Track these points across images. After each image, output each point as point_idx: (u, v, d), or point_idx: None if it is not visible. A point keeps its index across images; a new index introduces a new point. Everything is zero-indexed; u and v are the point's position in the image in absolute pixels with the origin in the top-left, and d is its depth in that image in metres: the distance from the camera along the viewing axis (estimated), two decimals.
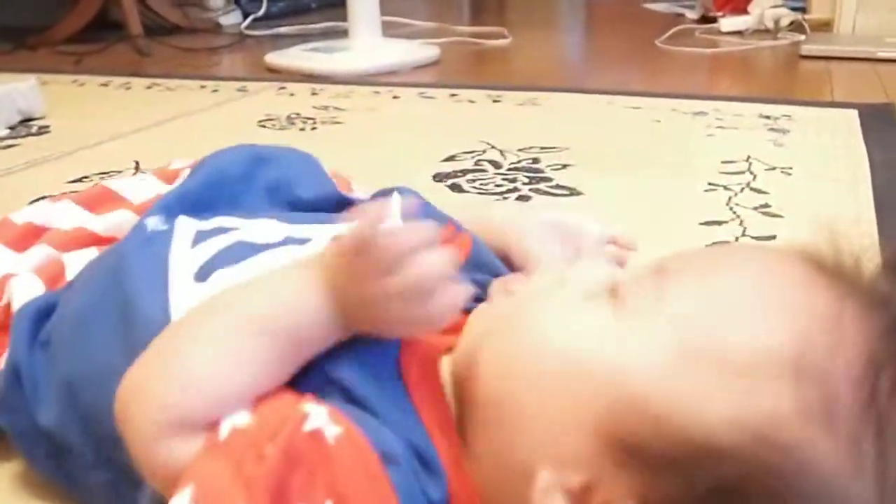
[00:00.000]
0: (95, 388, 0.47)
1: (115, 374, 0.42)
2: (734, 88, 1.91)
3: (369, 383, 0.43)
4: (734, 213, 1.00)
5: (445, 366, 0.46)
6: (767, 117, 1.44)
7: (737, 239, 0.91)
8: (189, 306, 0.46)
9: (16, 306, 0.54)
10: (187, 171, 0.66)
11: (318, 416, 0.40)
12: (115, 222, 0.63)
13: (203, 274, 0.50)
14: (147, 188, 0.67)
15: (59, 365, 0.51)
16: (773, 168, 1.16)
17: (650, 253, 0.86)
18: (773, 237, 0.92)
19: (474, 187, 1.13)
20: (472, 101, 1.66)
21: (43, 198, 1.03)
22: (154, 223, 0.56)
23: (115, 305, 0.50)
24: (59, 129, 1.56)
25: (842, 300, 0.38)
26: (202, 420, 0.40)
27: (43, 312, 0.54)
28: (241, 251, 0.52)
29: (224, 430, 0.40)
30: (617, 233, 0.64)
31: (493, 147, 1.32)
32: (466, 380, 0.44)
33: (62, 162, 1.36)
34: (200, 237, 0.54)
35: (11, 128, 1.58)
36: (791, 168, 1.15)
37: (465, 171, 1.20)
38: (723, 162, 1.19)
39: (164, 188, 0.66)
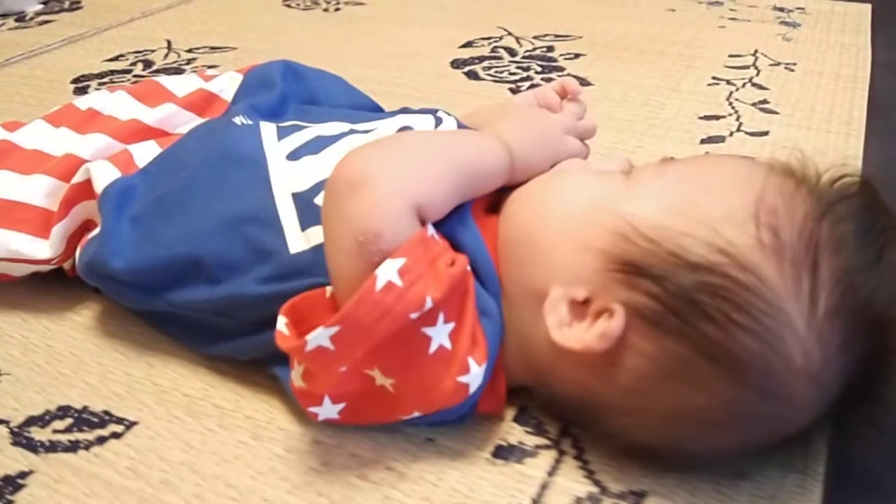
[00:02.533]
0: (208, 238, 0.58)
1: (229, 218, 0.57)
2: None
3: (471, 239, 0.54)
4: (733, 108, 1.05)
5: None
6: (781, 9, 1.47)
7: (731, 134, 0.98)
8: (285, 178, 0.59)
9: (98, 188, 0.63)
10: (232, 74, 0.73)
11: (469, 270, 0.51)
12: (164, 115, 0.71)
13: (294, 156, 0.60)
14: (189, 83, 0.75)
15: (161, 227, 0.60)
16: (778, 64, 1.20)
17: (651, 145, 0.95)
18: (766, 133, 0.98)
19: (489, 74, 1.19)
20: None
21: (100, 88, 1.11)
22: (240, 120, 0.66)
23: (222, 177, 0.60)
24: (90, 4, 1.61)
25: (796, 186, 0.49)
26: (430, 211, 0.51)
27: (125, 192, 0.62)
28: (321, 142, 0.62)
29: (429, 230, 0.50)
30: (564, 81, 0.72)
31: (509, 34, 1.36)
32: (501, 233, 0.56)
33: (98, 39, 1.42)
34: (283, 132, 0.64)
35: (44, 2, 1.64)
36: (795, 64, 1.20)
37: (481, 58, 1.25)
38: (730, 56, 1.24)
39: (205, 84, 0.74)
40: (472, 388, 0.49)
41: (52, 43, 1.39)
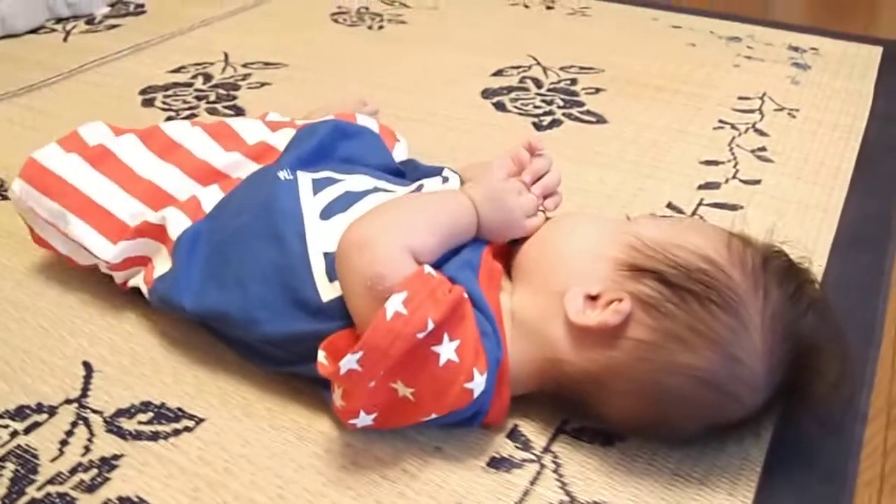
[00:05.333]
0: (258, 280, 0.71)
1: (273, 267, 0.71)
2: (776, 11, 2.00)
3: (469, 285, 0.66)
4: (732, 153, 1.16)
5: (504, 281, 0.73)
6: (795, 49, 1.56)
7: (726, 181, 1.09)
8: (319, 237, 0.71)
9: (173, 235, 0.77)
10: (288, 130, 0.87)
11: (466, 297, 0.64)
12: (232, 162, 0.85)
13: (325, 214, 0.74)
14: (256, 132, 0.88)
15: (221, 269, 0.74)
16: (782, 109, 1.31)
17: (652, 188, 1.06)
18: (758, 181, 1.09)
19: (516, 107, 1.31)
20: (526, 6, 1.80)
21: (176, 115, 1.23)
22: (283, 174, 0.79)
23: (268, 228, 0.73)
24: (153, 9, 1.75)
25: (749, 242, 0.67)
26: (423, 254, 0.65)
27: (195, 238, 0.76)
28: (349, 198, 0.75)
29: (426, 269, 0.63)
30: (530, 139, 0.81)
31: (538, 63, 1.48)
32: (522, 255, 0.73)
33: (161, 48, 1.55)
34: (317, 186, 0.77)
35: (111, 5, 1.77)
36: (797, 110, 1.31)
37: (509, 89, 1.37)
38: (739, 98, 1.35)
39: (269, 134, 0.88)
40: (476, 393, 0.62)
41: (120, 50, 1.53)
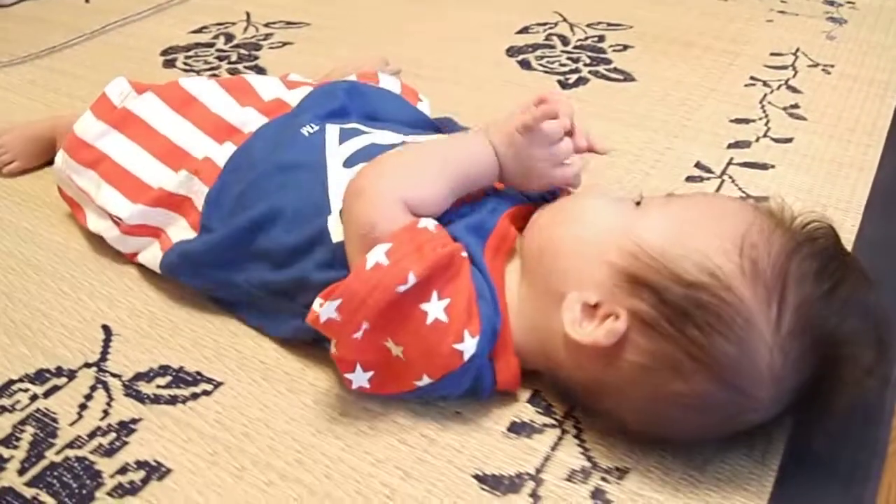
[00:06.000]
0: (284, 224, 0.71)
1: (293, 213, 0.71)
2: None
3: (474, 248, 0.65)
4: (764, 111, 1.13)
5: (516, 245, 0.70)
6: (831, 3, 1.51)
7: (757, 139, 1.06)
8: (339, 182, 0.70)
9: (199, 205, 0.78)
10: (305, 89, 0.86)
11: (465, 256, 0.63)
12: (247, 118, 0.84)
13: (349, 163, 0.73)
14: (274, 89, 0.87)
15: (241, 212, 0.74)
16: (816, 65, 1.27)
17: (680, 147, 1.04)
18: (790, 140, 1.06)
19: (541, 65, 1.28)
20: None
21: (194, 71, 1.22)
22: (307, 130, 0.78)
23: (288, 177, 0.74)
24: None
25: (774, 226, 0.59)
26: (421, 207, 0.63)
27: (216, 197, 0.77)
28: (374, 149, 0.73)
29: (420, 223, 0.62)
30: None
31: (564, 20, 1.45)
32: (527, 241, 0.68)
33: (183, 8, 1.54)
34: (344, 136, 0.76)
35: None
36: (832, 66, 1.26)
37: (535, 46, 1.34)
38: (771, 54, 1.31)
39: (286, 92, 0.87)
40: (467, 356, 0.60)
41: (142, 10, 1.51)
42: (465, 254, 0.63)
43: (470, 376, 0.62)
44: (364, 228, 0.62)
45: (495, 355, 0.64)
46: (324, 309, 0.58)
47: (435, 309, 0.60)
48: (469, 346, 0.60)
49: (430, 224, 0.62)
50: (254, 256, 0.73)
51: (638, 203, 0.66)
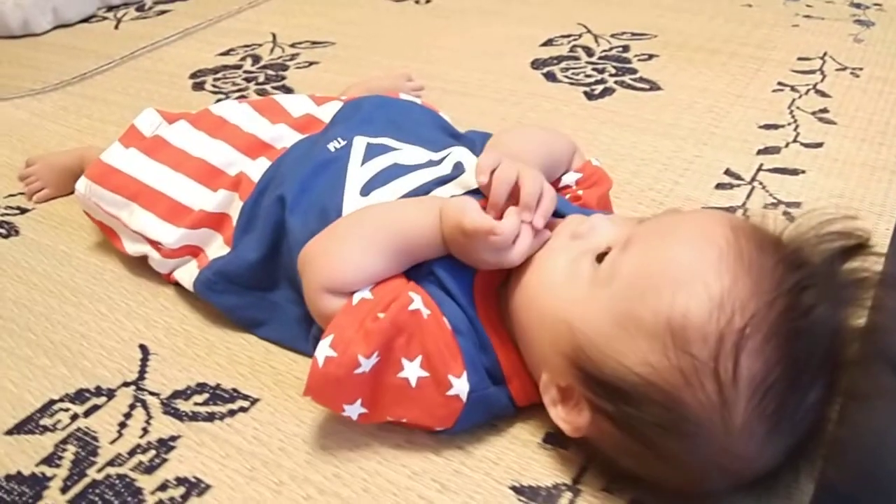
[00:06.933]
0: (298, 247, 0.69)
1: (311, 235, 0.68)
2: None
3: (454, 282, 0.64)
4: (793, 116, 1.12)
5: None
6: (857, 6, 1.51)
7: (787, 145, 1.05)
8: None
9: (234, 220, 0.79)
10: (334, 103, 0.87)
11: (417, 301, 0.62)
12: (279, 134, 0.85)
13: (366, 190, 0.73)
14: (303, 106, 0.89)
15: (268, 233, 0.75)
16: (844, 68, 1.26)
17: (708, 155, 1.03)
18: (820, 145, 1.05)
19: (566, 77, 1.28)
20: None
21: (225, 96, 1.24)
22: (334, 144, 0.78)
23: (313, 200, 0.74)
24: None
25: (736, 281, 0.51)
26: (345, 289, 0.63)
27: (249, 211, 0.78)
28: (395, 172, 0.73)
29: (355, 299, 0.62)
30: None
31: (588, 31, 1.45)
32: (511, 296, 0.65)
33: (210, 32, 1.56)
34: (369, 153, 0.76)
35: None
36: (861, 69, 1.25)
37: (559, 59, 1.35)
38: (798, 59, 1.30)
39: (315, 108, 0.88)
40: (464, 396, 0.61)
41: (170, 35, 1.54)
42: (416, 299, 0.61)
43: (482, 408, 0.63)
44: (313, 312, 0.66)
45: (507, 377, 0.64)
46: (306, 393, 0.61)
47: (412, 371, 0.60)
48: (460, 386, 0.60)
49: (365, 294, 0.63)
50: (282, 273, 0.74)
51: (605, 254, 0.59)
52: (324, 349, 0.59)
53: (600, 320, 0.55)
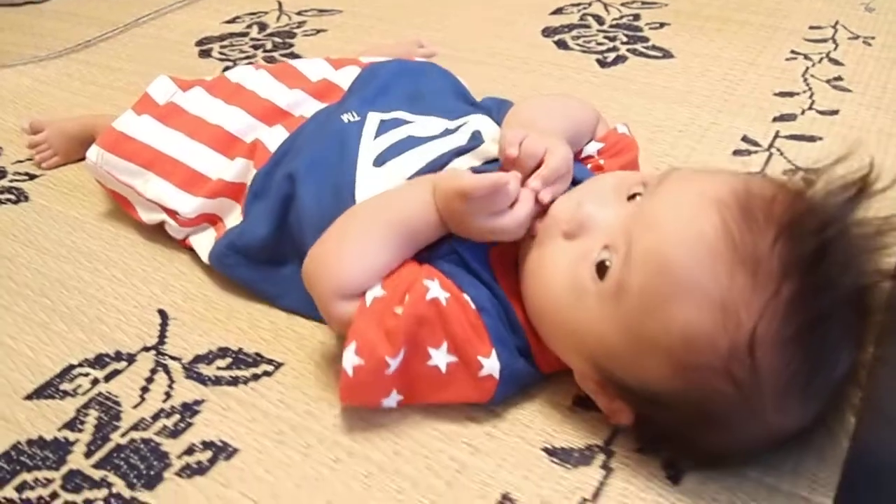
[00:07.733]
0: (309, 221, 0.70)
1: (324, 210, 0.68)
2: None
3: (473, 257, 0.64)
4: (807, 84, 1.12)
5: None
6: None
7: (802, 112, 1.04)
8: (368, 184, 0.69)
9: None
10: (352, 68, 0.86)
11: (434, 287, 0.61)
12: (296, 100, 0.84)
13: (379, 161, 0.71)
14: (319, 70, 0.87)
15: (279, 203, 0.74)
16: (857, 37, 1.25)
17: (724, 121, 1.02)
18: (836, 112, 1.04)
19: (578, 44, 1.27)
20: None
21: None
22: (348, 117, 0.77)
23: (326, 173, 0.72)
24: None
25: (733, 275, 0.49)
26: (355, 290, 0.61)
27: (262, 179, 0.76)
28: (409, 143, 0.72)
29: (368, 299, 0.61)
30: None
31: (598, 0, 1.43)
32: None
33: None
34: (382, 128, 0.74)
35: None
36: (874, 38, 1.24)
37: (570, 27, 1.33)
38: (810, 27, 1.29)
39: (332, 72, 0.86)
40: (496, 373, 0.60)
41: (173, 3, 1.51)
42: (432, 286, 0.60)
43: (515, 380, 0.62)
44: (328, 318, 0.65)
45: (534, 349, 0.63)
46: (347, 402, 0.62)
47: (440, 358, 0.60)
48: (491, 364, 0.60)
49: (377, 291, 0.61)
50: (291, 248, 0.73)
51: (632, 197, 0.59)
52: (350, 358, 0.58)
53: (614, 339, 0.54)
